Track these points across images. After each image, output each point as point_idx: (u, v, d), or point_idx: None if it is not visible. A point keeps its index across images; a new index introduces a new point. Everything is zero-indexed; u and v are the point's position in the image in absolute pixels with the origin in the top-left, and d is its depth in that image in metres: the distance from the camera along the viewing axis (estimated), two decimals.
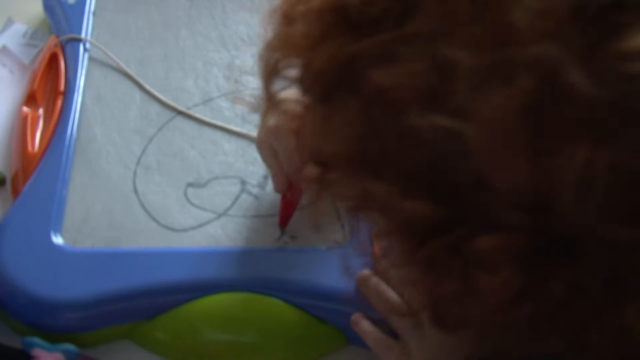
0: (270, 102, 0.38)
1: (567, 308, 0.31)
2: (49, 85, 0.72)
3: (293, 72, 0.35)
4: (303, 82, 0.35)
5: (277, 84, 0.37)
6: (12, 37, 0.80)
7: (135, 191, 0.64)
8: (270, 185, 0.65)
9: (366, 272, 0.54)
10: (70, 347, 0.55)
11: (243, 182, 0.66)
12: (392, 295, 0.53)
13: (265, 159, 0.60)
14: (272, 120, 0.57)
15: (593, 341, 0.32)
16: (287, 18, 0.35)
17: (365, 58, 0.31)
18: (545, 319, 0.32)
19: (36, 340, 0.54)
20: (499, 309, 0.32)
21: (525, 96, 0.27)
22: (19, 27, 0.81)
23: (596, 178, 0.27)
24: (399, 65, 0.30)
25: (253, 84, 0.75)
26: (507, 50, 0.28)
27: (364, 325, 0.54)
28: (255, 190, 0.65)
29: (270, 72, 0.37)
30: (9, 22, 0.81)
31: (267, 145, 0.59)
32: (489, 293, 0.31)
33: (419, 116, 0.29)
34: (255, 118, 0.71)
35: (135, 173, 0.65)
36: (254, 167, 0.67)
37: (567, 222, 0.29)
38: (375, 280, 0.54)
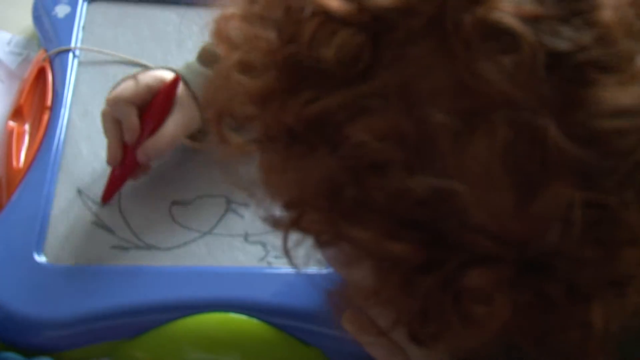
0: (220, 139, 0.37)
1: (536, 314, 0.33)
2: (36, 99, 0.71)
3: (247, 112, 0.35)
4: (268, 132, 0.34)
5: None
6: None
7: (120, 209, 0.63)
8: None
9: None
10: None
11: (228, 201, 0.65)
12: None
13: (106, 130, 0.63)
14: (114, 91, 0.61)
15: (556, 338, 0.34)
16: (242, 65, 0.34)
17: (337, 113, 0.31)
18: (519, 326, 0.34)
19: (10, 355, 0.54)
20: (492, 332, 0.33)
21: (504, 146, 0.29)
22: (3, 35, 0.81)
23: (575, 216, 0.29)
24: (375, 119, 0.30)
25: None
26: (480, 102, 0.29)
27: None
28: (240, 209, 0.65)
29: (220, 115, 0.36)
30: None
31: (109, 117, 0.62)
32: (485, 322, 0.33)
33: (407, 177, 0.30)
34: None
35: (120, 191, 0.64)
36: None
37: (545, 250, 0.31)
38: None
